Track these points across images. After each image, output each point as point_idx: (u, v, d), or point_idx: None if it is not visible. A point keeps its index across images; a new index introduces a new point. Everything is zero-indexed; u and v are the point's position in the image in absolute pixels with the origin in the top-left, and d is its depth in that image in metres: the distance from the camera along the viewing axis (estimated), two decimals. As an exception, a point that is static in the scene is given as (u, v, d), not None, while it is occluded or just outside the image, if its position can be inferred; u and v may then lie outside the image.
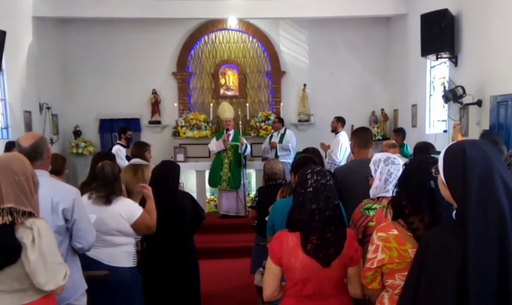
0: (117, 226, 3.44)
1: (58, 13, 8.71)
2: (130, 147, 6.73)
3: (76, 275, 2.84)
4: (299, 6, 8.82)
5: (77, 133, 9.68)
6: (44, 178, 2.69)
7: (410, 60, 8.57)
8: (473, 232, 1.56)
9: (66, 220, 2.79)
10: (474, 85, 6.08)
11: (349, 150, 7.41)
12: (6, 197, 2.20)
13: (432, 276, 1.65)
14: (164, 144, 9.82)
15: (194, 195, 8.40)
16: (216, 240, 7.54)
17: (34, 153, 2.75)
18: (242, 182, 8.37)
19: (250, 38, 10.15)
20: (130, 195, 4.12)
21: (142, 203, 3.73)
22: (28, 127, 7.92)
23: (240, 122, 8.65)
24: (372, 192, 2.89)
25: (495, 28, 5.68)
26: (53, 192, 2.75)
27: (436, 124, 7.86)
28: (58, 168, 4.04)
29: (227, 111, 8.73)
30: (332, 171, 4.18)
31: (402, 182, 2.25)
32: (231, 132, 8.46)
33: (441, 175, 1.74)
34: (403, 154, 6.24)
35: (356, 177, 3.59)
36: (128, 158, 6.71)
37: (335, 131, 8.07)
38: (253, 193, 8.90)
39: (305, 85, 9.98)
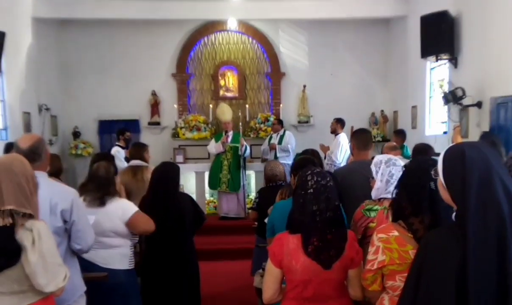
0: (112, 227, 3.43)
1: (58, 14, 8.72)
2: (129, 148, 6.72)
3: (75, 276, 2.83)
4: (298, 8, 8.84)
5: (76, 134, 9.68)
6: (42, 179, 2.68)
7: (410, 61, 8.58)
8: (473, 234, 1.56)
9: (65, 221, 2.78)
10: (474, 86, 6.08)
11: (349, 151, 7.42)
12: (7, 198, 2.20)
13: (432, 277, 1.65)
14: (163, 145, 9.81)
15: (194, 196, 8.39)
16: (216, 241, 7.53)
17: (32, 155, 2.74)
18: (241, 184, 8.36)
19: (250, 39, 10.15)
20: (129, 196, 4.12)
21: (141, 205, 3.72)
22: (27, 128, 7.91)
23: (240, 123, 8.64)
24: (373, 194, 2.89)
25: (494, 29, 5.69)
26: (52, 193, 2.74)
27: (436, 126, 7.86)
28: (56, 169, 4.04)
29: (226, 113, 8.73)
30: (332, 173, 4.17)
31: (402, 183, 2.25)
32: (230, 133, 8.46)
33: (441, 177, 1.74)
34: (403, 156, 6.23)
35: (356, 178, 3.59)
36: (127, 159, 6.70)
37: (334, 132, 8.08)
38: (252, 194, 8.91)
39: (304, 86, 9.98)
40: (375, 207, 2.82)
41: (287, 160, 8.06)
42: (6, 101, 7.46)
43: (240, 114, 9.22)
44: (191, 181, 9.13)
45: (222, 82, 10.16)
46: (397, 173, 2.79)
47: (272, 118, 9.67)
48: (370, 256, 2.22)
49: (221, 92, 10.15)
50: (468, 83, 6.18)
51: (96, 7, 8.55)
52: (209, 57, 10.16)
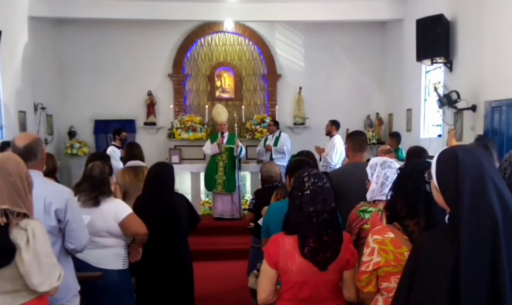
0: (106, 227, 3.43)
1: (54, 13, 8.69)
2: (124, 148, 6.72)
3: (69, 276, 2.82)
4: (295, 10, 8.85)
5: (71, 134, 9.66)
6: (37, 178, 2.68)
7: (406, 64, 8.61)
8: (466, 237, 1.57)
9: (59, 221, 2.78)
10: (469, 90, 6.11)
11: (344, 153, 7.44)
12: (1, 198, 2.20)
13: (425, 280, 1.66)
14: (159, 145, 9.81)
15: (189, 197, 8.39)
16: (211, 242, 7.52)
17: (28, 154, 2.74)
18: (237, 185, 8.36)
19: (246, 40, 10.17)
20: (125, 196, 4.12)
21: (135, 206, 3.72)
22: (23, 127, 7.88)
23: (235, 125, 8.64)
24: (368, 196, 2.90)
25: (489, 33, 5.72)
26: (46, 192, 2.74)
27: (430, 129, 7.90)
28: (50, 169, 4.03)
29: (221, 114, 8.73)
30: (327, 174, 4.18)
31: (397, 185, 2.26)
32: (226, 135, 8.46)
33: (434, 180, 1.75)
34: (398, 158, 6.26)
35: (350, 180, 3.60)
36: (122, 159, 6.70)
37: (329, 134, 8.10)
38: (247, 195, 8.91)
39: (300, 88, 10.00)
40: (370, 209, 2.83)
41: (283, 162, 8.08)
42: (2, 100, 7.42)
43: (236, 115, 9.22)
44: (187, 182, 9.12)
45: (218, 83, 10.18)
46: (392, 175, 2.80)
47: (268, 120, 9.68)
48: (365, 258, 2.22)
49: (217, 93, 10.16)
50: (463, 87, 6.22)
51: (93, 6, 8.53)
52: (206, 58, 10.16)
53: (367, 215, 2.82)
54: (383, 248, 2.16)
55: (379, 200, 2.83)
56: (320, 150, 7.92)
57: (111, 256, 3.49)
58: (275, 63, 10.16)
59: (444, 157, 1.73)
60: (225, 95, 10.18)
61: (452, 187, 1.65)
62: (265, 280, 2.51)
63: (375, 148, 9.05)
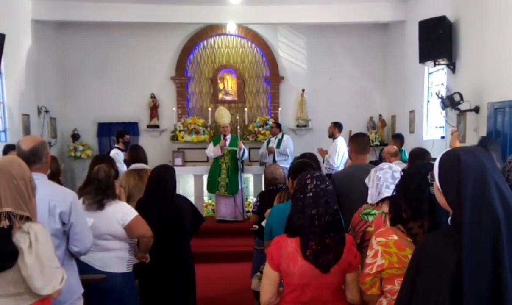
0: (110, 230, 3.43)
1: (57, 16, 8.73)
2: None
3: (73, 278, 2.83)
4: (297, 12, 8.86)
5: (75, 137, 9.68)
6: (42, 181, 2.70)
7: (408, 66, 8.60)
8: (468, 239, 1.57)
9: (63, 224, 2.78)
10: (472, 91, 6.10)
11: (346, 155, 7.43)
12: (5, 201, 2.20)
13: (427, 282, 1.65)
14: (162, 148, 9.83)
15: (192, 199, 8.40)
16: (213, 244, 7.53)
17: (34, 157, 2.75)
18: (239, 187, 8.37)
19: (249, 43, 10.18)
20: (129, 199, 4.13)
21: (137, 208, 3.72)
22: (27, 130, 7.91)
23: (238, 127, 8.65)
24: (369, 201, 2.92)
25: (492, 35, 5.71)
26: (51, 195, 2.75)
27: (433, 130, 7.88)
28: (53, 171, 4.04)
29: (224, 116, 8.73)
30: (330, 176, 4.19)
31: (401, 187, 2.25)
32: (228, 137, 8.47)
33: (437, 182, 1.75)
34: (401, 160, 6.25)
35: (353, 182, 3.60)
36: (125, 162, 6.71)
37: (332, 136, 8.10)
38: (250, 198, 8.91)
39: (303, 90, 10.00)
40: (373, 212, 2.83)
41: (286, 164, 8.06)
42: (6, 103, 7.46)
43: (238, 117, 9.23)
44: (190, 184, 9.13)
45: (221, 86, 10.18)
46: (384, 175, 2.84)
47: (270, 122, 9.69)
48: (369, 260, 2.21)
49: (220, 96, 10.17)
50: (466, 88, 6.21)
51: (96, 10, 8.57)
52: (208, 60, 10.18)
53: (370, 218, 2.82)
54: (386, 251, 2.16)
55: (381, 202, 2.84)
56: (323, 152, 7.92)
57: (115, 259, 3.50)
58: (278, 65, 10.16)
59: (447, 158, 1.73)
60: (228, 98, 10.19)
61: (454, 189, 1.65)
62: (267, 283, 2.51)
63: (378, 150, 9.04)
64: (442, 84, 7.11)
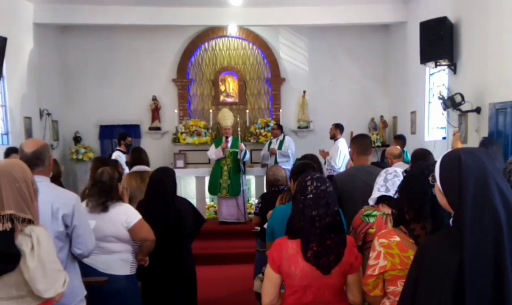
0: (114, 232, 3.44)
1: (59, 20, 8.76)
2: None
3: (76, 281, 2.84)
4: (299, 14, 8.87)
5: (77, 139, 9.70)
6: (44, 184, 2.70)
7: (409, 67, 8.60)
8: (470, 239, 1.57)
9: (66, 226, 2.79)
10: (473, 92, 6.10)
11: (348, 156, 7.43)
12: (7, 203, 2.20)
13: (429, 282, 1.66)
14: (164, 150, 9.84)
15: (194, 201, 8.41)
16: (216, 246, 7.53)
17: (36, 160, 2.75)
18: (241, 189, 8.37)
19: (250, 45, 10.19)
20: (131, 201, 4.14)
21: (138, 209, 3.73)
22: (28, 133, 7.93)
23: (239, 129, 8.67)
24: (369, 203, 2.93)
25: (493, 35, 5.71)
26: (53, 198, 2.75)
27: (435, 131, 7.88)
28: (54, 174, 4.05)
29: (227, 118, 8.73)
30: (332, 177, 4.19)
31: (403, 189, 2.25)
32: (230, 139, 8.48)
33: (438, 183, 1.75)
34: (404, 161, 6.25)
35: (355, 183, 3.60)
36: (127, 164, 6.72)
37: (333, 138, 8.10)
38: (252, 199, 8.91)
39: (304, 92, 10.01)
40: (374, 213, 2.83)
41: (287, 165, 8.06)
42: (7, 106, 7.49)
43: (240, 119, 9.23)
44: (192, 186, 9.14)
45: (222, 88, 10.20)
46: (378, 177, 2.87)
47: (272, 124, 9.69)
48: (371, 261, 2.21)
49: (222, 98, 10.18)
50: (467, 89, 6.20)
51: (97, 13, 8.59)
52: (210, 62, 10.19)
53: (371, 219, 2.82)
54: (389, 252, 2.16)
55: (381, 203, 2.84)
56: (325, 154, 7.92)
57: (119, 262, 3.50)
58: (279, 67, 10.18)
59: (448, 159, 1.73)
60: (229, 100, 10.20)
61: (456, 190, 1.65)
62: (269, 284, 2.51)
63: (379, 151, 9.04)
64: (443, 85, 7.11)
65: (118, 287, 3.43)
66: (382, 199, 2.85)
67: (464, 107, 6.21)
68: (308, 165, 3.53)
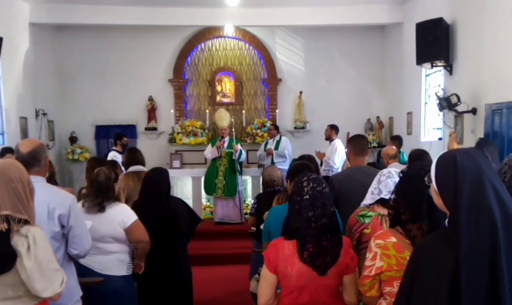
0: (111, 232, 3.44)
1: (55, 19, 8.72)
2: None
3: (72, 281, 2.83)
4: (295, 14, 8.88)
5: (73, 139, 9.67)
6: (40, 184, 2.70)
7: (406, 68, 8.62)
8: (466, 240, 1.58)
9: (62, 226, 2.79)
10: (469, 93, 6.12)
11: (344, 157, 7.44)
12: (3, 204, 2.20)
13: (425, 283, 1.66)
14: (160, 150, 9.83)
15: (190, 201, 8.40)
16: (212, 246, 7.53)
17: (32, 160, 2.75)
18: (237, 189, 8.37)
19: (247, 45, 10.19)
20: (128, 201, 4.14)
21: (133, 208, 3.73)
22: (24, 133, 7.90)
23: (233, 129, 8.66)
24: (362, 204, 2.94)
25: (489, 36, 5.73)
26: (50, 198, 2.75)
27: (431, 132, 7.90)
28: (48, 175, 4.04)
29: (223, 119, 8.73)
30: (329, 178, 4.19)
31: (400, 189, 2.26)
32: (226, 139, 8.48)
33: (434, 184, 1.76)
34: (400, 162, 6.26)
35: (352, 184, 3.60)
36: (123, 164, 6.70)
37: (329, 139, 8.11)
38: (249, 199, 8.91)
39: (301, 92, 10.02)
40: (369, 213, 2.84)
41: (284, 165, 8.07)
42: (3, 106, 7.46)
43: (236, 120, 9.23)
44: (188, 186, 9.13)
45: (219, 88, 10.19)
46: (374, 180, 2.87)
47: (268, 124, 9.70)
48: (367, 262, 2.22)
49: (218, 98, 10.18)
50: (463, 90, 6.23)
51: (93, 12, 8.56)
52: (206, 63, 10.18)
53: (367, 220, 2.82)
54: (385, 253, 2.16)
55: (375, 204, 2.84)
56: (321, 155, 7.93)
57: (115, 262, 3.50)
58: (276, 68, 10.17)
59: (443, 160, 1.74)
60: (225, 100, 10.20)
61: (451, 190, 1.66)
62: (265, 285, 2.51)
63: (376, 151, 9.05)
64: (439, 85, 7.13)
65: (114, 287, 3.43)
66: (377, 199, 2.85)
67: (460, 108, 6.23)
68: (304, 165, 3.54)
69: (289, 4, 8.70)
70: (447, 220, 1.72)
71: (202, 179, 8.73)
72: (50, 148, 8.85)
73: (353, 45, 10.06)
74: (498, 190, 1.63)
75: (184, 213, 4.22)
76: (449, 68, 6.74)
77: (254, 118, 10.14)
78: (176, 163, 9.27)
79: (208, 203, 9.17)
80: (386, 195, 2.71)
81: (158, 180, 4.11)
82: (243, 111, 9.93)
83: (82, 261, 3.13)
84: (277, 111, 10.01)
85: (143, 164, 5.25)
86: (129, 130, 9.65)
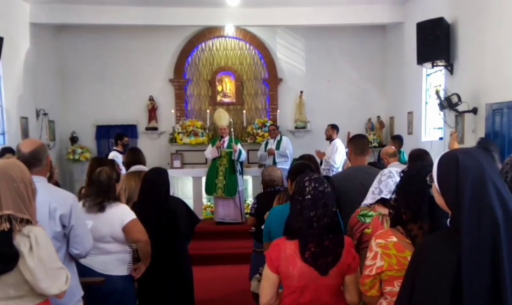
0: (111, 232, 3.44)
1: (56, 19, 8.72)
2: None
3: (73, 281, 2.83)
4: (296, 14, 8.88)
5: (73, 139, 9.67)
6: (41, 184, 2.70)
7: (406, 67, 8.62)
8: (467, 240, 1.58)
9: (64, 226, 2.79)
10: (470, 92, 6.12)
11: (345, 156, 7.44)
12: (5, 203, 2.20)
13: (427, 283, 1.66)
14: (161, 150, 9.84)
15: (191, 201, 8.41)
16: (212, 246, 7.54)
17: (33, 160, 2.75)
18: (237, 189, 8.37)
19: (247, 45, 10.19)
20: (129, 201, 4.14)
21: (133, 209, 3.74)
22: (25, 133, 7.91)
23: (232, 129, 8.66)
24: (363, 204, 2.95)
25: (490, 36, 5.73)
26: (51, 198, 2.75)
27: (432, 132, 7.90)
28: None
29: (222, 118, 8.74)
30: (329, 177, 4.19)
31: (401, 189, 2.25)
32: (226, 139, 8.48)
33: (436, 183, 1.76)
34: (400, 162, 6.27)
35: (353, 183, 3.60)
36: (124, 164, 6.71)
37: (330, 139, 8.10)
38: (249, 199, 8.91)
39: (301, 92, 10.02)
40: (370, 213, 2.84)
41: (285, 165, 8.09)
42: (4, 106, 7.46)
43: (237, 119, 9.23)
44: (188, 186, 9.13)
45: (219, 88, 10.19)
46: (374, 181, 2.86)
47: (269, 124, 9.70)
48: (368, 262, 2.22)
49: (219, 98, 10.18)
50: (464, 89, 6.23)
51: (94, 13, 8.56)
52: (207, 63, 10.18)
53: (367, 220, 2.83)
54: (386, 252, 2.16)
55: (375, 204, 2.85)
56: (321, 154, 7.93)
57: (116, 262, 3.51)
58: (276, 67, 10.17)
59: (445, 160, 1.74)
60: (226, 100, 10.20)
61: (453, 190, 1.66)
62: (267, 285, 2.51)
63: (376, 151, 9.05)
64: (440, 85, 7.13)
65: (115, 287, 3.44)
66: (378, 199, 2.86)
67: (460, 108, 6.23)
68: (305, 165, 3.54)
69: (289, 4, 8.70)
70: (449, 219, 1.72)
71: (203, 179, 8.74)
72: (51, 148, 8.86)
73: (353, 45, 10.06)
74: (500, 190, 1.63)
75: (183, 213, 4.22)
76: (449, 67, 6.74)
77: (255, 118, 10.15)
78: (177, 163, 9.28)
79: (208, 203, 9.17)
80: (386, 195, 2.71)
81: (157, 180, 4.12)
82: (244, 111, 9.93)
83: (82, 261, 3.13)
84: (277, 111, 10.02)
85: (144, 164, 5.26)
86: (129, 130, 9.66)
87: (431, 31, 6.64)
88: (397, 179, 2.66)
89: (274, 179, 5.03)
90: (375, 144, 9.54)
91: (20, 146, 2.84)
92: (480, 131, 5.87)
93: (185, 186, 9.21)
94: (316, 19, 8.95)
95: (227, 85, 10.20)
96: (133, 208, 3.84)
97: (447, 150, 2.56)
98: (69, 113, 9.76)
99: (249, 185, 9.25)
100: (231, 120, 8.87)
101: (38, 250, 2.21)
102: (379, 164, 5.68)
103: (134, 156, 5.32)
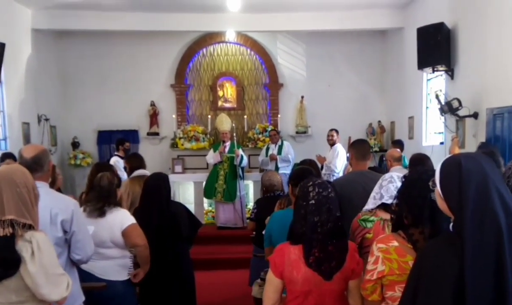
0: (111, 237, 3.44)
1: (57, 25, 8.76)
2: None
3: (74, 286, 2.82)
4: (296, 19, 8.91)
5: (75, 145, 9.69)
6: (43, 189, 2.69)
7: (407, 72, 8.63)
8: (470, 244, 1.58)
9: (65, 232, 2.79)
10: (470, 97, 6.12)
11: (346, 161, 7.44)
12: (8, 208, 2.20)
13: (429, 288, 1.66)
14: (162, 155, 9.85)
15: (192, 206, 8.40)
16: (214, 251, 7.52)
17: (35, 165, 2.76)
18: (238, 194, 8.36)
19: (248, 50, 10.22)
20: (132, 206, 4.14)
21: (134, 216, 3.74)
22: (27, 138, 7.93)
23: (234, 134, 8.67)
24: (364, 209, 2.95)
25: (490, 41, 5.74)
26: (52, 203, 2.76)
27: (432, 136, 7.90)
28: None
29: (224, 123, 8.75)
30: (331, 182, 4.19)
31: (402, 193, 2.25)
32: (228, 143, 8.49)
33: (438, 188, 1.76)
34: (402, 166, 6.26)
35: (354, 188, 3.60)
36: (125, 169, 6.72)
37: (334, 144, 8.07)
38: (250, 204, 8.90)
39: (302, 97, 10.03)
40: (371, 218, 2.84)
41: (287, 170, 8.08)
42: (6, 112, 7.49)
43: (238, 124, 9.24)
44: (190, 191, 9.13)
45: (220, 93, 10.22)
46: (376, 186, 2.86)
47: (270, 129, 9.71)
48: (369, 266, 2.21)
49: (220, 103, 10.20)
50: (464, 94, 6.23)
51: (95, 18, 8.60)
52: (208, 68, 10.22)
53: (369, 224, 2.82)
54: (387, 257, 2.16)
55: (377, 209, 2.84)
56: (321, 159, 7.92)
57: (116, 267, 3.51)
58: (277, 73, 10.20)
59: (448, 164, 1.74)
60: (227, 105, 10.22)
61: (456, 194, 1.66)
62: (270, 289, 2.51)
63: (377, 156, 9.06)
64: (441, 90, 7.14)
65: (117, 292, 3.44)
66: (379, 204, 2.86)
67: (461, 112, 6.23)
68: (306, 170, 3.54)
69: (290, 10, 8.73)
70: (451, 224, 1.72)
71: (204, 184, 8.73)
72: (53, 153, 8.88)
73: (354, 50, 10.09)
74: (503, 194, 1.63)
75: (184, 218, 4.23)
76: (450, 72, 6.75)
77: (256, 123, 10.16)
78: (178, 168, 9.29)
79: (210, 208, 9.17)
80: (387, 200, 2.71)
81: (158, 186, 4.12)
82: (245, 116, 9.95)
83: (83, 266, 3.13)
84: (278, 116, 10.03)
85: (145, 169, 5.27)
86: (131, 135, 9.67)
87: (432, 36, 6.65)
88: (398, 184, 2.65)
89: (274, 184, 5.03)
90: (376, 149, 9.55)
91: (22, 152, 2.85)
92: (481, 136, 5.87)
93: (187, 191, 9.21)
94: (317, 24, 8.98)
95: (228, 90, 10.22)
96: (135, 213, 3.84)
97: (448, 155, 2.57)
98: (70, 119, 9.79)
99: (250, 190, 9.24)
100: (233, 125, 8.88)
101: (40, 255, 2.20)
102: (380, 169, 5.69)
103: (139, 161, 5.33)
